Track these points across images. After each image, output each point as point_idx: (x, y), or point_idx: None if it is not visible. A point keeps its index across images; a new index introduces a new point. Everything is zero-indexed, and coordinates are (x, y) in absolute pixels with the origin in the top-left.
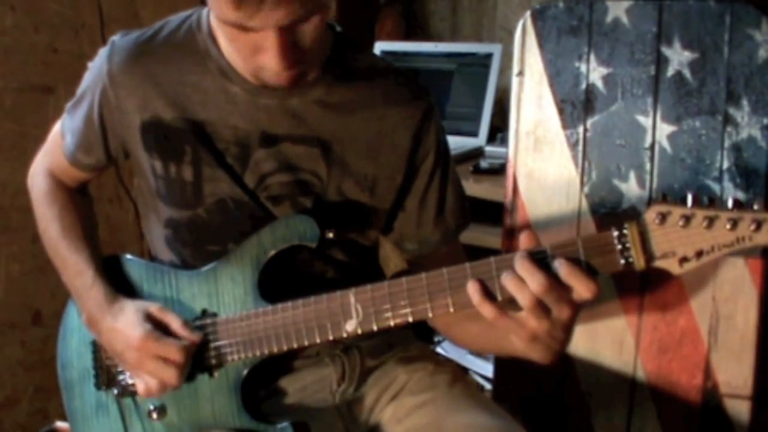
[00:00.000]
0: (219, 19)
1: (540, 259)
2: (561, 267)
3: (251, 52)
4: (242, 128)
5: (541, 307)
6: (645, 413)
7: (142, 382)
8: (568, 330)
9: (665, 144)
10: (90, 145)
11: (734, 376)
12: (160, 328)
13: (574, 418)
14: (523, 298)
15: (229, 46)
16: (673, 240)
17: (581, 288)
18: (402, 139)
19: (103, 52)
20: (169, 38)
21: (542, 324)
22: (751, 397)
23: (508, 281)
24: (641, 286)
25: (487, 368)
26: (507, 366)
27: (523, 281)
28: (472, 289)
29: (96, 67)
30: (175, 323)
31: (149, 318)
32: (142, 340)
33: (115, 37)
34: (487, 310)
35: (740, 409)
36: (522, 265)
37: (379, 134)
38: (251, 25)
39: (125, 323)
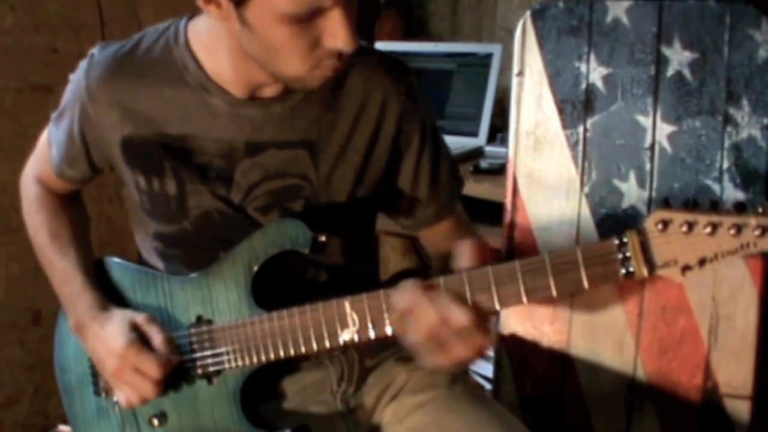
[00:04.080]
0: (287, 15)
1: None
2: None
3: (312, 44)
4: (226, 140)
5: (436, 341)
6: (645, 413)
7: (121, 391)
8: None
9: (665, 144)
10: (73, 159)
11: (734, 376)
12: (144, 339)
13: (574, 418)
14: (417, 333)
15: (222, 58)
16: (676, 248)
17: (452, 317)
18: (387, 123)
19: (82, 66)
20: (147, 53)
21: (439, 359)
22: (751, 397)
23: (399, 317)
24: (641, 286)
25: (487, 368)
26: (507, 366)
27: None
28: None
29: (75, 82)
30: (157, 338)
31: (134, 328)
32: (124, 348)
33: (94, 50)
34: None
35: (740, 409)
36: (417, 300)
37: (364, 123)
38: (326, 4)
39: (111, 331)
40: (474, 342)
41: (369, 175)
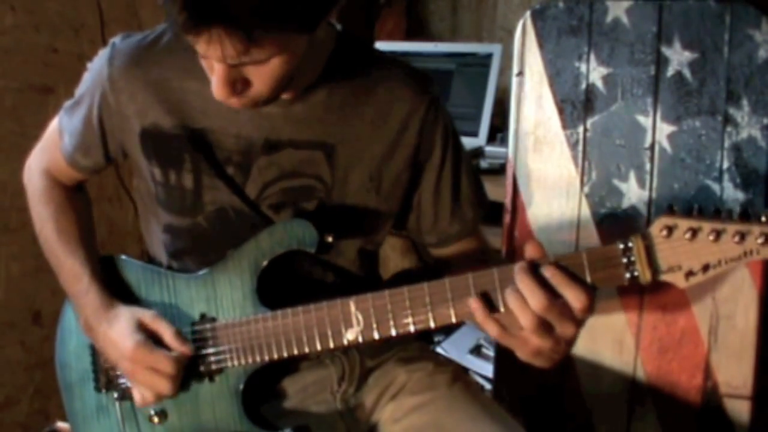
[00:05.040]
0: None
1: (542, 275)
2: (551, 276)
3: (207, 69)
4: (245, 136)
5: (543, 325)
6: (645, 413)
7: (137, 390)
8: (571, 344)
9: (665, 144)
10: (88, 147)
11: (734, 376)
12: (153, 337)
13: (574, 418)
14: (524, 317)
15: None
16: (680, 254)
17: (570, 297)
18: (407, 135)
19: (103, 55)
20: (171, 44)
21: (545, 341)
22: (751, 397)
23: (510, 299)
24: (641, 286)
25: (487, 368)
26: (507, 366)
27: (525, 299)
28: (475, 306)
29: (96, 70)
30: (167, 333)
31: (141, 327)
32: (133, 350)
33: (116, 40)
34: (491, 328)
35: (740, 409)
36: (522, 281)
37: (384, 132)
38: (199, 51)
39: (118, 332)
40: (581, 319)
41: (384, 183)
